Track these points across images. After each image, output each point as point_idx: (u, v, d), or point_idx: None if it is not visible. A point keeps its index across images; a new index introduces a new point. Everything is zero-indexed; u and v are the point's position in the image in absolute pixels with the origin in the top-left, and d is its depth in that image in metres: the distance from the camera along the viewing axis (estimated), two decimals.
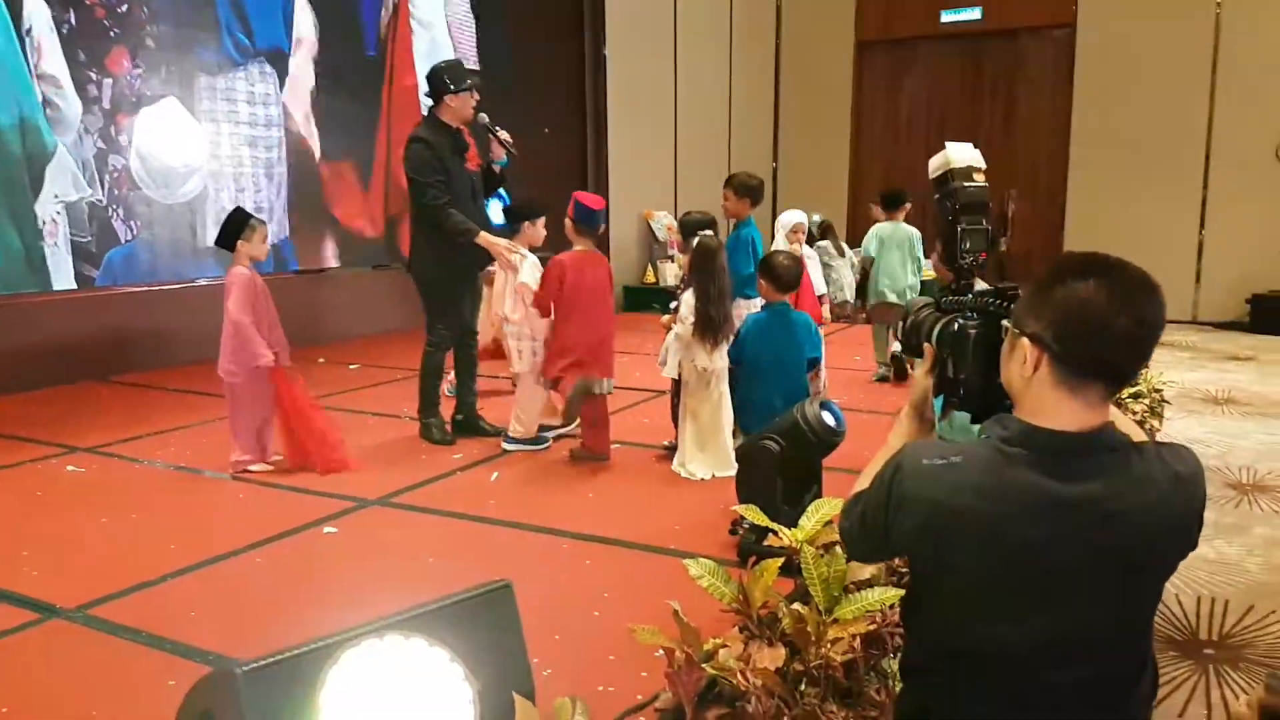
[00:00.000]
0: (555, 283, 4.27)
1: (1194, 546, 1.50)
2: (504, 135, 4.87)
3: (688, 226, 4.48)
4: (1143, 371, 6.49)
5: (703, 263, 4.10)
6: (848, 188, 12.63)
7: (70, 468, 4.42)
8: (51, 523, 3.70)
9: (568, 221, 4.42)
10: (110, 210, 6.44)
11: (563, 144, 10.17)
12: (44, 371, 6.03)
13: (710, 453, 4.14)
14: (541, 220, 4.71)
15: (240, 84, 7.23)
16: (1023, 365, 1.44)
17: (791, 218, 5.78)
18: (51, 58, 6.05)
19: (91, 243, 6.35)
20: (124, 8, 6.45)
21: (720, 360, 4.08)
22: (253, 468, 4.24)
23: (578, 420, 4.59)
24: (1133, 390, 5.81)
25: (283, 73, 7.53)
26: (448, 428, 4.82)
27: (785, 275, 3.92)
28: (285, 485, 4.08)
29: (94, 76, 6.30)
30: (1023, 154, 12.09)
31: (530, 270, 4.48)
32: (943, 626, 1.51)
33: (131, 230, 6.58)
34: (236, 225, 4.21)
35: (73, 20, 6.15)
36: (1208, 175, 10.89)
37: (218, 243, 4.30)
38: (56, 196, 6.14)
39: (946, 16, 12.18)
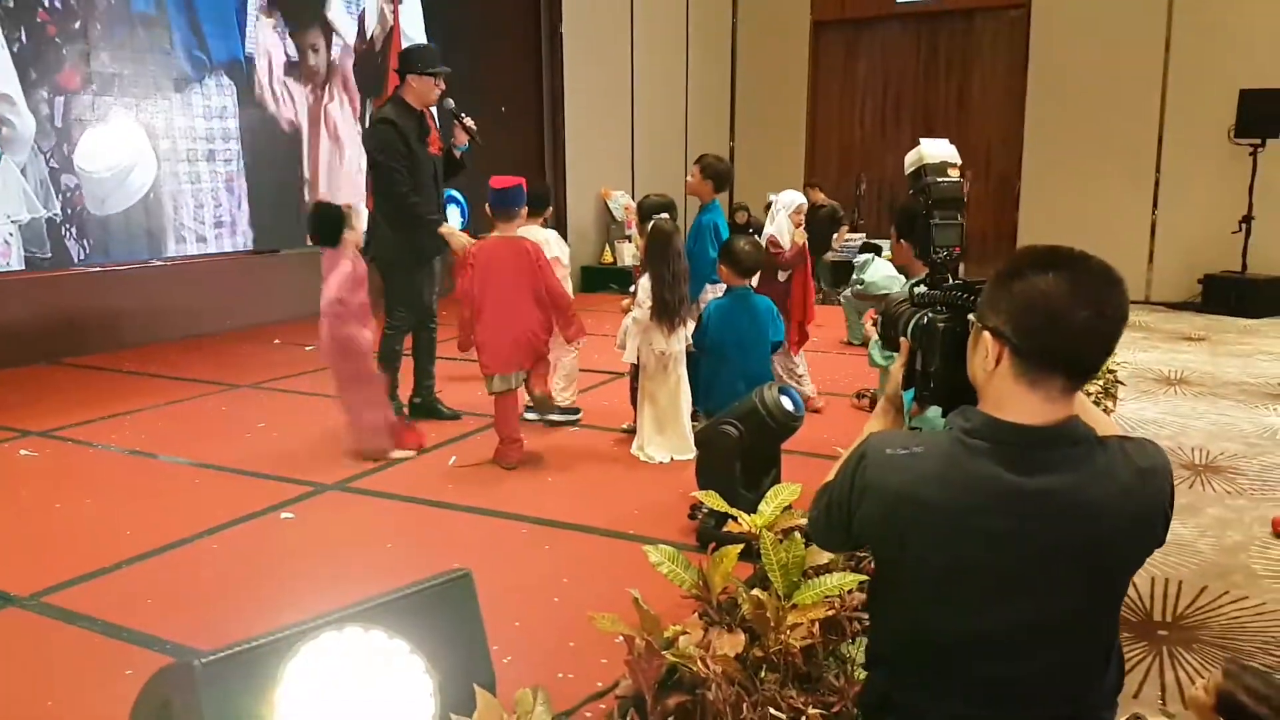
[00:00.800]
0: (466, 274, 4.06)
1: (1160, 542, 1.50)
2: (469, 122, 4.84)
3: (646, 209, 4.47)
4: None
5: (658, 247, 4.10)
6: (803, 167, 12.67)
7: (23, 452, 4.34)
8: (4, 508, 3.64)
9: (487, 208, 4.26)
10: (65, 229, 6.33)
11: (519, 122, 10.08)
12: None
13: (669, 436, 4.17)
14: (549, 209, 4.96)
15: (197, 98, 7.12)
16: (985, 359, 1.45)
17: (794, 198, 5.43)
18: (3, 76, 5.91)
19: (49, 262, 6.25)
20: (76, 24, 6.30)
21: (678, 344, 4.09)
22: (396, 453, 4.17)
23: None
24: None
25: (240, 85, 7.42)
26: (405, 411, 4.80)
27: (746, 260, 3.94)
28: (242, 470, 4.04)
29: (46, 95, 6.16)
30: (977, 134, 12.19)
31: (558, 246, 4.76)
32: (905, 616, 1.52)
33: (84, 249, 6.47)
34: (335, 218, 4.05)
35: (23, 38, 6.01)
36: (1161, 156, 11.06)
37: (324, 242, 4.10)
38: (9, 217, 6.01)
39: None
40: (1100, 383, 5.90)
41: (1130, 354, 7.83)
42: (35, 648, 2.60)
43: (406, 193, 4.51)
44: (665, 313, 4.03)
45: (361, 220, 4.22)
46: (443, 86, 4.70)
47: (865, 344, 6.39)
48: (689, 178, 5.11)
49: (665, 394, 4.15)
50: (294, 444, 4.44)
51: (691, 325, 4.14)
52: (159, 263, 6.94)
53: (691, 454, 3.96)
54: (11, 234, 6.04)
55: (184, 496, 3.78)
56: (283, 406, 5.13)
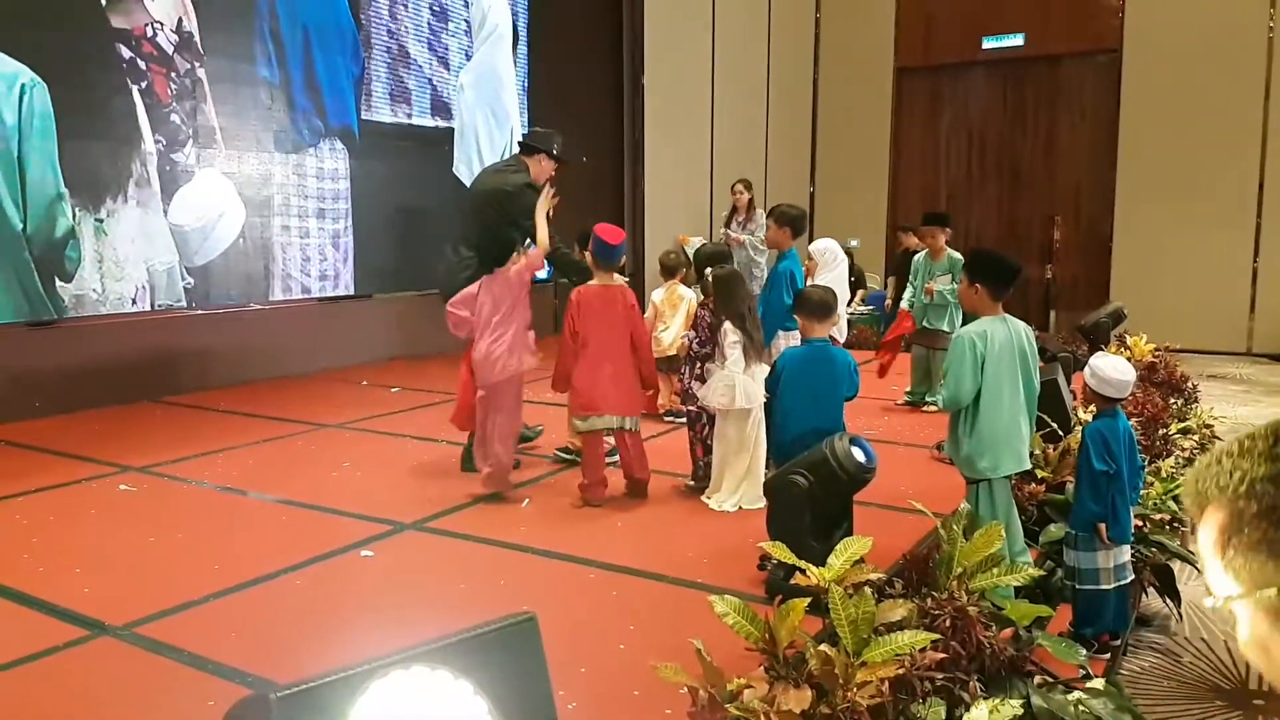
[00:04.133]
0: (570, 320, 4.27)
1: None
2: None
3: (701, 259, 4.55)
4: (1193, 406, 6.36)
5: (726, 293, 4.17)
6: (886, 213, 12.59)
7: (122, 486, 4.55)
8: (103, 540, 3.82)
9: (587, 255, 4.48)
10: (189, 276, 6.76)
11: (600, 168, 10.28)
12: (99, 391, 6.22)
13: (743, 484, 4.14)
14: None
15: (310, 161, 7.55)
16: None
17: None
18: (144, 132, 6.34)
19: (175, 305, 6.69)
20: (200, 88, 6.73)
21: (758, 389, 4.09)
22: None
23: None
24: (1182, 426, 5.69)
25: (352, 149, 7.84)
26: None
27: (821, 309, 3.90)
28: (326, 508, 4.17)
29: (167, 152, 6.55)
30: (1066, 180, 11.97)
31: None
32: None
33: (205, 295, 6.87)
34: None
35: (147, 100, 6.40)
36: (1262, 202, 10.67)
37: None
38: (152, 263, 6.43)
39: (988, 43, 12.14)
40: (1196, 438, 5.67)
41: (1229, 408, 7.51)
42: (125, 676, 2.72)
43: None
44: (751, 350, 4.08)
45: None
46: (554, 174, 5.05)
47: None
48: (765, 231, 5.21)
49: (741, 439, 4.14)
50: (376, 483, 4.57)
51: (765, 369, 4.14)
52: (256, 306, 7.25)
53: (761, 503, 3.95)
54: (145, 283, 6.43)
55: (270, 533, 3.92)
56: (367, 447, 5.28)
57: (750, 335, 4.10)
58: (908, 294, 6.38)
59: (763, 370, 4.09)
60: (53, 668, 2.75)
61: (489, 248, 4.62)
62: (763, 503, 3.88)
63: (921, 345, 6.28)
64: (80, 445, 5.22)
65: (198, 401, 6.44)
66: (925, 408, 6.18)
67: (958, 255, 6.14)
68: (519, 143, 5.24)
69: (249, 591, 3.29)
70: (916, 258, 6.43)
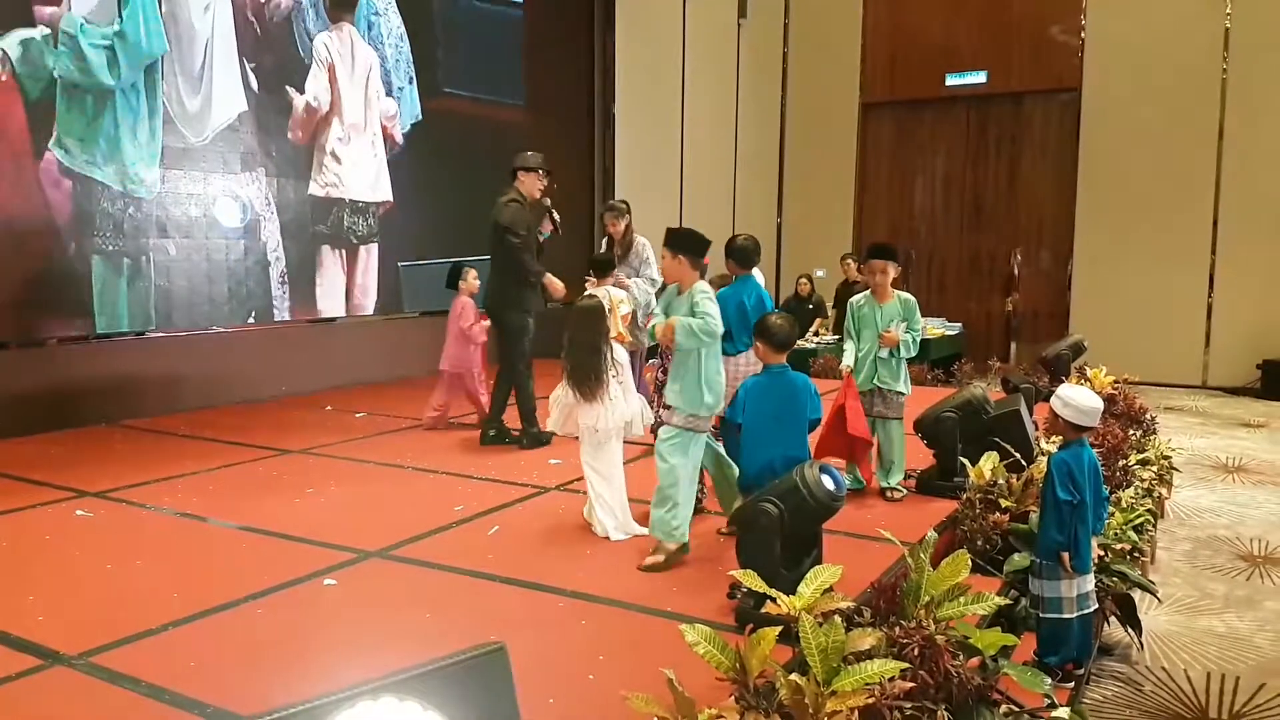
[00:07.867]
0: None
1: None
2: (556, 216, 6.02)
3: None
4: (1151, 438, 6.48)
5: (579, 321, 4.21)
6: (852, 245, 12.76)
7: (79, 512, 4.45)
8: (58, 567, 3.73)
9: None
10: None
11: (571, 198, 10.34)
12: (55, 415, 6.11)
13: (614, 512, 4.18)
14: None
15: (274, 183, 7.57)
16: None
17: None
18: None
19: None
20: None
21: (607, 420, 4.13)
22: None
23: None
24: (1140, 457, 5.79)
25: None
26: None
27: (779, 335, 3.89)
28: (288, 535, 4.11)
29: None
30: (1027, 214, 12.23)
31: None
32: None
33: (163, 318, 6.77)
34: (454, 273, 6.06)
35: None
36: (1216, 239, 10.96)
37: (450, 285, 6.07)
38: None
39: (951, 80, 12.41)
40: (1154, 469, 5.77)
41: (1186, 440, 7.66)
42: (81, 707, 2.64)
43: (519, 248, 5.55)
44: (577, 383, 4.13)
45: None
46: (545, 183, 5.74)
47: None
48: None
49: (602, 469, 4.19)
50: (340, 510, 4.51)
51: (631, 399, 4.24)
52: (218, 329, 7.16)
53: (627, 535, 4.11)
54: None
55: (231, 560, 3.84)
56: (331, 472, 5.22)
57: (574, 372, 4.13)
58: (847, 355, 4.87)
59: (613, 407, 4.14)
60: (4, 699, 2.67)
61: (502, 265, 5.58)
62: (628, 535, 4.10)
63: (872, 415, 4.79)
64: (35, 470, 5.11)
65: (157, 426, 6.33)
66: (890, 493, 4.84)
67: (909, 296, 4.92)
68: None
69: (209, 620, 3.22)
70: (856, 305, 4.95)
